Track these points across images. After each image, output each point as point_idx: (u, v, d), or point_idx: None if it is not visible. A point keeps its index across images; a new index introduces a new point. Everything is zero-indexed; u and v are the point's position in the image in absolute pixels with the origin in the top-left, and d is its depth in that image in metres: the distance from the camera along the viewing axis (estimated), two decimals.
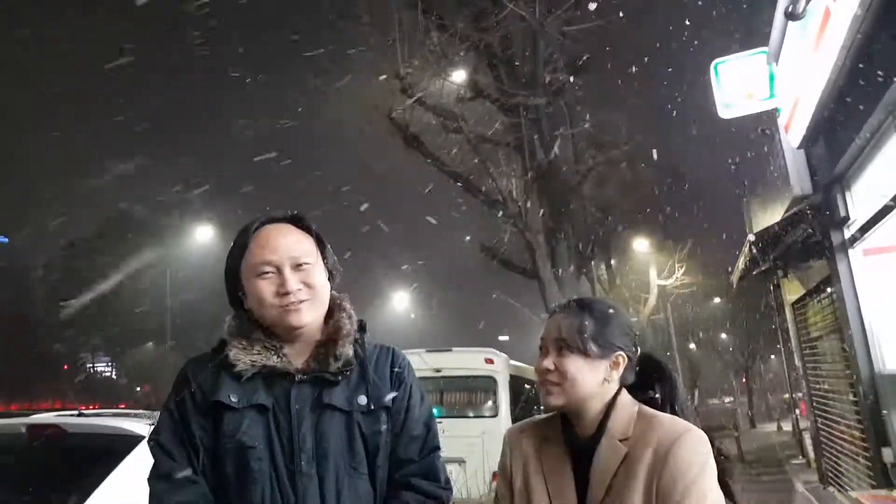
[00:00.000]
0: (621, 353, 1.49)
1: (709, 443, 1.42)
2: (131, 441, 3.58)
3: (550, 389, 1.47)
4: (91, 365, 47.18)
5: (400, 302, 45.34)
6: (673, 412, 1.53)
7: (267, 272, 1.52)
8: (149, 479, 1.48)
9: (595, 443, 1.46)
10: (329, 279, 1.63)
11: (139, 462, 3.43)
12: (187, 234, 34.09)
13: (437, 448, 1.62)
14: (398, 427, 1.57)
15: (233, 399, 1.46)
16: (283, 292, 1.50)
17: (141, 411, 4.65)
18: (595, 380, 1.46)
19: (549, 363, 1.47)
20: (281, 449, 1.45)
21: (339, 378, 1.52)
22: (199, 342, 36.71)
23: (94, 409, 4.65)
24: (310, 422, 1.48)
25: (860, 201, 6.18)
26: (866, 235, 6.07)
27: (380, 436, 1.53)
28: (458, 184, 10.30)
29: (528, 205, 9.85)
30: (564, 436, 1.52)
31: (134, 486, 3.27)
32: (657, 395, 1.55)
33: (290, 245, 1.55)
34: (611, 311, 1.53)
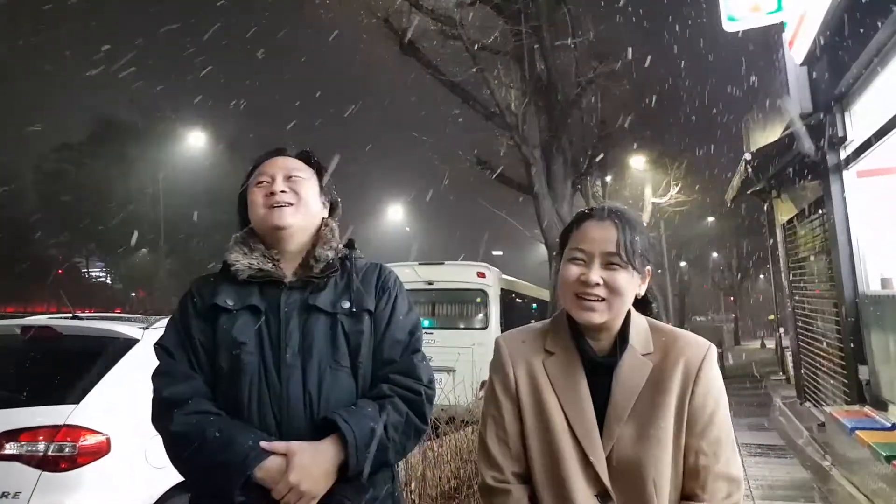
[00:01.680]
0: (650, 265, 1.46)
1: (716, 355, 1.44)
2: (125, 344, 3.66)
3: (594, 305, 1.37)
4: (86, 270, 47.57)
5: (395, 214, 45.40)
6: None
7: (263, 181, 1.70)
8: (152, 376, 1.61)
9: (611, 357, 1.41)
10: (327, 207, 1.81)
11: (133, 364, 3.54)
12: (180, 139, 33.58)
13: (419, 350, 1.73)
14: (381, 331, 1.68)
15: (229, 302, 1.62)
16: (269, 193, 1.67)
17: (135, 315, 4.71)
18: (632, 295, 1.42)
19: (596, 276, 1.37)
20: (270, 344, 1.59)
21: (325, 283, 1.67)
22: (192, 249, 36.99)
23: (89, 312, 4.72)
24: (297, 321, 1.61)
25: (859, 122, 6.12)
26: (861, 157, 6.04)
27: (361, 335, 1.64)
28: (455, 94, 10.06)
29: (526, 117, 9.67)
30: (578, 350, 1.44)
31: (128, 387, 3.40)
32: (654, 304, 1.53)
33: (287, 162, 1.76)
34: (642, 223, 1.49)
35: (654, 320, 1.49)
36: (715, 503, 1.33)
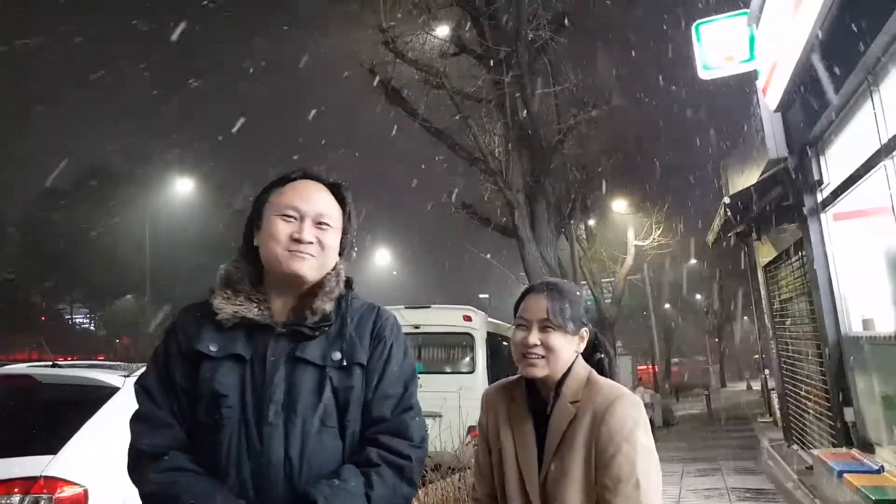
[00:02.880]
0: (586, 328, 1.76)
1: (641, 405, 1.67)
2: (106, 392, 3.59)
3: (535, 362, 1.69)
4: (70, 317, 46.87)
5: (381, 258, 45.41)
6: (611, 373, 1.81)
7: (290, 215, 1.57)
8: (130, 420, 1.53)
9: (552, 404, 1.70)
10: (341, 253, 1.68)
11: (113, 413, 3.46)
12: (167, 186, 33.59)
13: (412, 407, 1.61)
14: (373, 385, 1.57)
15: (212, 349, 1.51)
16: (296, 237, 1.55)
17: (117, 363, 4.63)
18: (570, 352, 1.71)
19: (534, 339, 1.69)
20: (252, 398, 1.47)
21: (316, 333, 1.54)
22: (178, 295, 36.61)
23: (70, 360, 4.64)
24: (283, 373, 1.49)
25: (834, 165, 6.26)
26: (838, 200, 6.16)
27: (351, 391, 1.53)
28: (440, 140, 10.21)
29: (509, 162, 9.82)
30: (529, 397, 1.76)
31: (108, 437, 3.32)
32: (603, 356, 1.82)
33: (320, 202, 1.61)
34: (578, 293, 1.80)
35: (597, 374, 1.75)
36: None
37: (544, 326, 1.70)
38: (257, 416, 1.46)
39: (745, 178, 8.92)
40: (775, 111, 6.97)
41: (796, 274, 7.81)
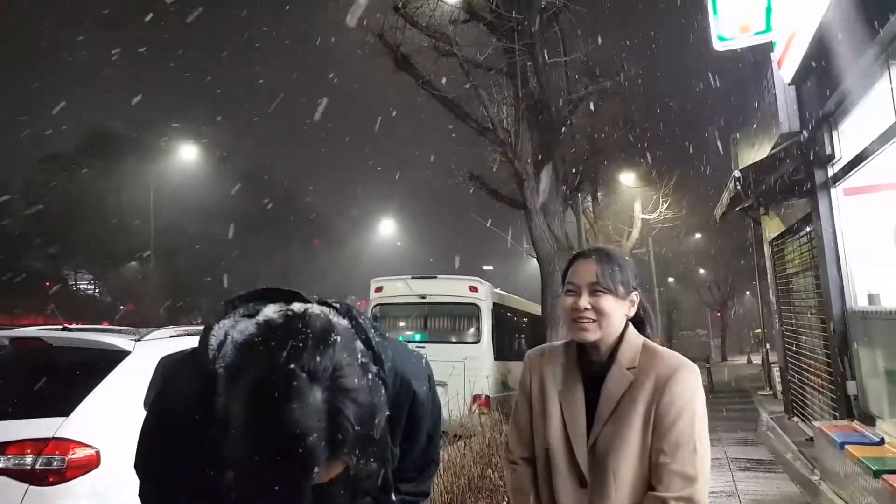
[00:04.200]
0: (636, 292, 1.75)
1: (699, 374, 1.68)
2: (116, 355, 3.62)
3: (587, 326, 1.68)
4: (74, 282, 47.09)
5: (386, 228, 45.39)
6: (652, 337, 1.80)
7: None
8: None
9: (606, 370, 1.69)
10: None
11: (124, 376, 3.50)
12: (171, 152, 33.46)
13: (435, 462, 1.51)
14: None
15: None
16: None
17: (126, 327, 4.67)
18: (620, 315, 1.70)
19: (585, 302, 1.68)
20: None
21: None
22: (181, 264, 36.72)
23: (78, 325, 4.68)
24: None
25: (846, 140, 6.21)
26: (849, 175, 6.12)
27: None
28: (448, 110, 10.11)
29: (519, 133, 9.72)
30: (579, 363, 1.75)
31: (119, 400, 3.37)
32: (649, 331, 1.81)
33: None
34: (628, 258, 1.80)
35: (650, 341, 1.76)
36: (670, 494, 1.56)
37: (594, 290, 1.69)
38: None
39: (756, 153, 8.85)
40: (790, 84, 6.89)
41: (803, 248, 7.79)
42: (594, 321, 1.67)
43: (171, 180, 35.15)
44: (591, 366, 1.73)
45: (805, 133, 6.76)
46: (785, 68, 6.79)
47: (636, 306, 1.76)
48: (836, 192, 6.48)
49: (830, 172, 6.52)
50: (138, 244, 34.51)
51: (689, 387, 1.63)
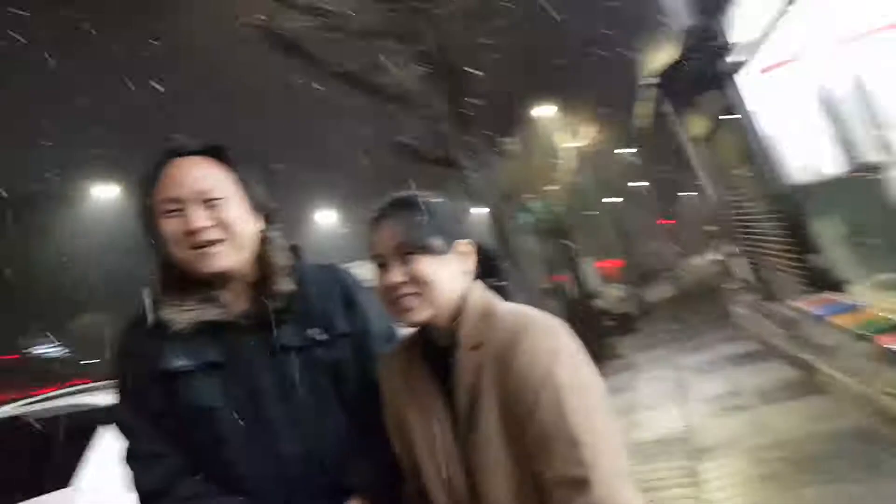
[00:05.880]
0: (464, 240, 1.31)
1: (558, 328, 1.20)
2: (100, 414, 3.39)
3: (410, 303, 1.24)
4: (33, 349, 45.18)
5: (325, 219, 44.54)
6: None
7: (172, 210, 1.36)
8: (121, 462, 1.40)
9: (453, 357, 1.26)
10: (259, 215, 1.45)
11: (112, 433, 3.22)
12: (85, 196, 32.07)
13: None
14: (361, 348, 1.46)
15: (181, 363, 1.35)
16: (190, 230, 1.33)
17: (98, 383, 4.40)
18: (450, 276, 1.26)
19: (398, 275, 1.24)
20: (247, 402, 1.36)
21: (284, 316, 1.40)
22: (132, 304, 35.43)
23: (52, 391, 4.43)
24: (266, 368, 1.38)
25: (745, 24, 6.18)
26: (755, 56, 6.11)
27: (345, 363, 1.43)
28: (352, 87, 9.75)
29: (428, 92, 9.48)
30: (425, 351, 1.32)
31: (112, 460, 3.09)
32: (504, 283, 1.37)
33: (197, 179, 1.37)
34: (436, 199, 1.34)
35: (497, 302, 1.29)
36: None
37: (404, 255, 1.25)
38: (256, 418, 1.36)
39: (662, 57, 8.82)
40: None
41: (734, 138, 7.81)
42: (416, 293, 1.24)
43: (97, 222, 33.77)
44: (439, 354, 1.28)
45: (701, 23, 6.71)
46: None
47: (472, 258, 1.31)
48: (750, 74, 6.47)
49: (739, 58, 6.50)
50: (85, 295, 33.24)
51: (542, 354, 1.15)
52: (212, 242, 1.35)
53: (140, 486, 1.36)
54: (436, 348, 1.29)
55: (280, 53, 9.29)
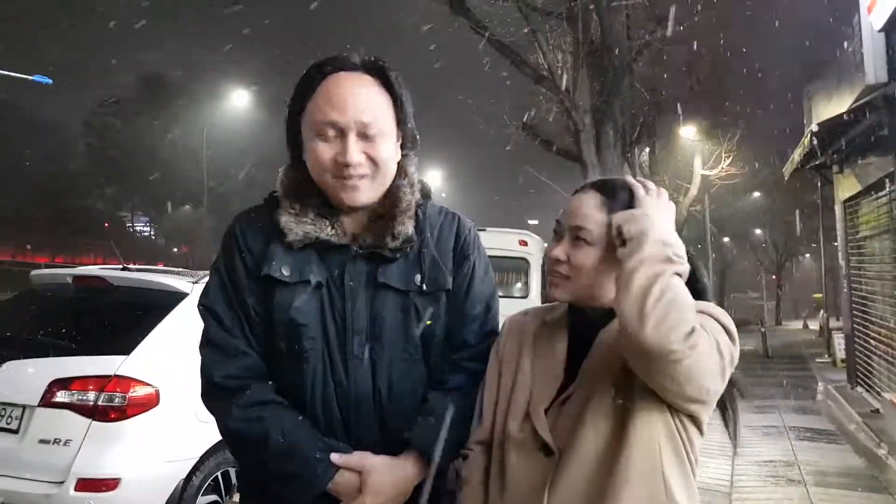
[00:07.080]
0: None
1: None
2: (175, 297, 3.62)
3: (556, 282, 1.29)
4: (131, 224, 48.63)
5: (431, 180, 45.07)
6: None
7: (328, 134, 1.32)
8: (200, 347, 1.39)
9: (604, 323, 1.29)
10: (403, 147, 1.43)
11: (183, 318, 3.49)
12: (223, 97, 33.73)
13: (495, 331, 1.49)
14: (457, 306, 1.45)
15: (284, 273, 1.34)
16: (342, 162, 1.31)
17: (183, 269, 4.68)
18: (608, 272, 1.25)
19: (560, 252, 1.28)
20: (334, 328, 1.35)
21: (398, 255, 1.38)
22: (234, 206, 37.42)
23: (136, 265, 4.71)
24: (364, 300, 1.36)
25: None
26: None
27: (438, 319, 1.41)
28: (504, 56, 9.76)
29: (577, 81, 9.35)
30: (570, 319, 1.35)
31: (178, 341, 3.36)
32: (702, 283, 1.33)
33: (360, 105, 1.32)
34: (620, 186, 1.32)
35: None
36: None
37: (577, 236, 1.26)
38: (341, 347, 1.35)
39: (833, 107, 8.31)
40: (879, 31, 6.38)
41: (881, 210, 7.34)
42: (566, 277, 1.28)
43: (225, 126, 35.55)
44: (585, 324, 1.31)
45: (892, 85, 6.28)
46: (875, 14, 6.30)
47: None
48: None
49: None
50: (192, 188, 35.24)
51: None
52: (361, 176, 1.33)
53: (212, 375, 1.34)
54: (585, 320, 1.31)
55: (446, 9, 9.33)
